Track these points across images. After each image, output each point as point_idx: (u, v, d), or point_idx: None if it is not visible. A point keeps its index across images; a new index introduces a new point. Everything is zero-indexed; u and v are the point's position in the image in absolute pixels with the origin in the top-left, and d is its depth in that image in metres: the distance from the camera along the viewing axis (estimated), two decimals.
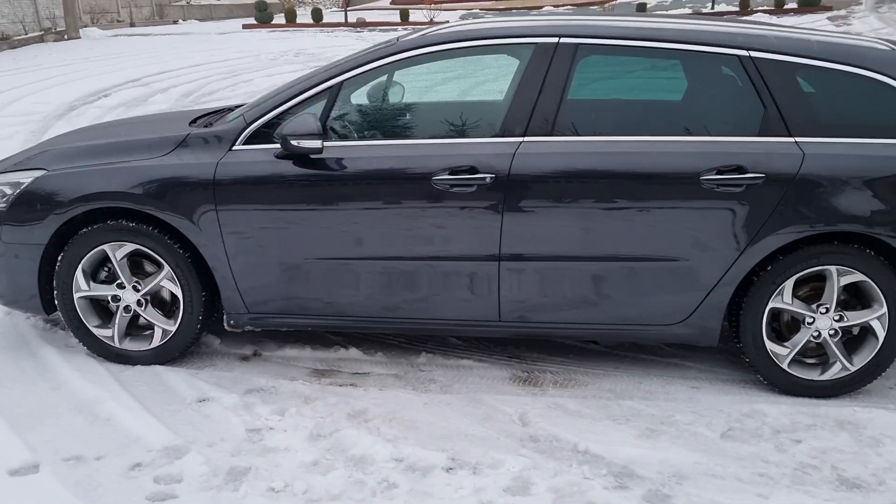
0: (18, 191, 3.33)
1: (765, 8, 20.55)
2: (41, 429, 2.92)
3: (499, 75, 3.69)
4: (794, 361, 3.21)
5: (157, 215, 3.24)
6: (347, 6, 32.30)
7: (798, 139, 3.04)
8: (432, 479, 2.65)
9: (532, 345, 3.67)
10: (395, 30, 23.61)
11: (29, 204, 3.31)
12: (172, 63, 14.44)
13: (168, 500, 2.52)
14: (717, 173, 3.00)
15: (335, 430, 2.95)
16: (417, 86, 3.60)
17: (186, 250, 3.29)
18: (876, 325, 3.12)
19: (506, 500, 2.54)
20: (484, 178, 3.06)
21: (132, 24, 26.55)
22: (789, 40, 3.17)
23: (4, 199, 3.35)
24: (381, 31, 20.98)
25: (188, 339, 3.41)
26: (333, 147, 3.17)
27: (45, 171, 3.35)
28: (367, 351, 3.61)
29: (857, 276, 3.08)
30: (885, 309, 3.08)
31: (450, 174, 3.07)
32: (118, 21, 26.50)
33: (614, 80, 3.41)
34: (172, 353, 3.43)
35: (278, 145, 3.14)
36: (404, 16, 22.13)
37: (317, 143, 3.04)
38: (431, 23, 24.05)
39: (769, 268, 3.10)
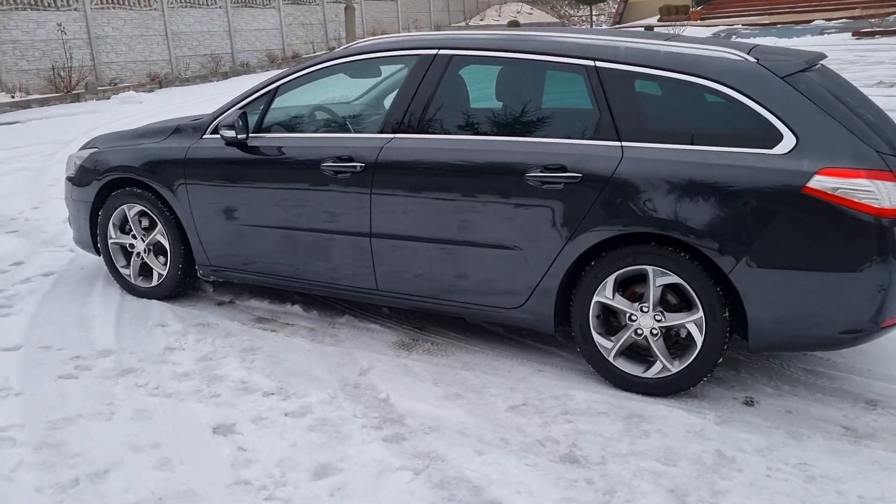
0: (80, 162, 4.62)
1: None
2: (47, 327, 4.12)
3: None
4: (623, 356, 3.35)
5: (152, 184, 4.30)
6: (619, 24, 32.67)
7: (625, 143, 3.22)
8: (247, 397, 3.34)
9: (442, 320, 4.13)
10: None
11: (84, 172, 4.58)
12: None
13: (70, 379, 3.53)
14: (541, 171, 3.29)
15: (223, 357, 3.76)
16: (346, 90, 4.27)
17: (172, 213, 4.31)
18: (692, 328, 3.17)
19: (277, 416, 3.16)
20: (355, 167, 3.67)
21: None
22: (638, 51, 3.33)
23: (76, 168, 4.66)
24: None
25: (174, 282, 4.43)
26: (260, 137, 3.99)
27: (97, 149, 4.59)
28: (307, 308, 4.36)
29: (673, 279, 3.16)
30: (700, 313, 3.13)
31: (333, 162, 3.72)
32: None
33: (483, 87, 3.77)
34: (165, 292, 4.48)
35: None
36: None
37: (231, 133, 3.89)
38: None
39: (593, 263, 3.30)
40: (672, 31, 23.86)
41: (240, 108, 4.03)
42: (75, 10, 16.74)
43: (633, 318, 3.27)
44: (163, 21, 19.05)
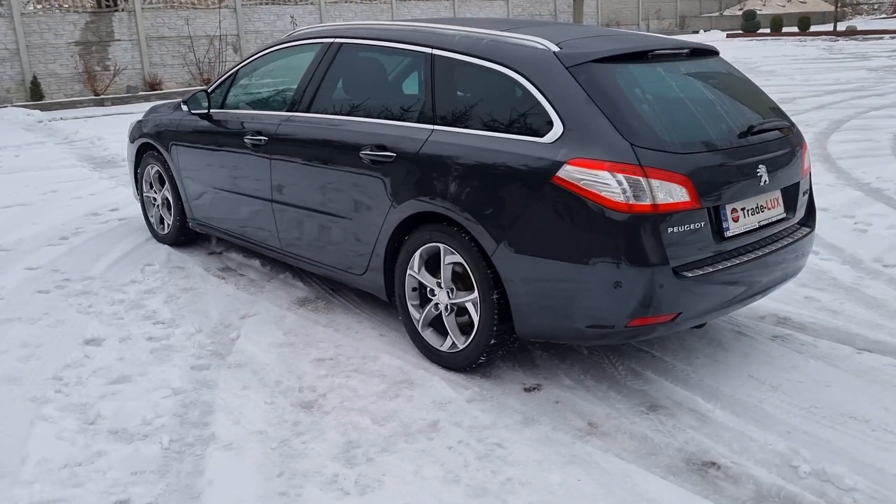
0: (132, 127, 5.68)
1: None
2: (73, 256, 5.21)
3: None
4: (432, 328, 3.53)
5: (158, 147, 5.20)
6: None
7: (435, 127, 3.41)
8: (141, 322, 4.06)
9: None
10: (881, 39, 20.61)
11: (131, 137, 5.63)
12: None
13: (43, 293, 4.51)
14: (371, 149, 3.59)
15: (161, 292, 4.53)
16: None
17: (171, 173, 5.19)
18: (471, 307, 3.29)
19: (140, 339, 3.83)
20: (261, 140, 4.21)
21: None
22: (467, 39, 3.47)
23: (130, 131, 5.73)
24: (860, 40, 18.83)
25: (176, 231, 5.31)
26: (219, 112, 4.68)
27: (141, 119, 5.62)
28: (265, 264, 4.99)
29: (457, 258, 3.30)
30: (476, 293, 3.24)
31: (252, 135, 4.30)
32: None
33: (360, 71, 4.04)
34: (171, 239, 5.38)
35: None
36: None
37: (185, 108, 4.62)
38: None
39: (406, 238, 3.53)
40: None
41: (211, 88, 4.76)
42: (311, 3, 18.92)
43: (434, 293, 3.46)
44: (391, 12, 20.73)
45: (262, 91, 4.75)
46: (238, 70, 4.70)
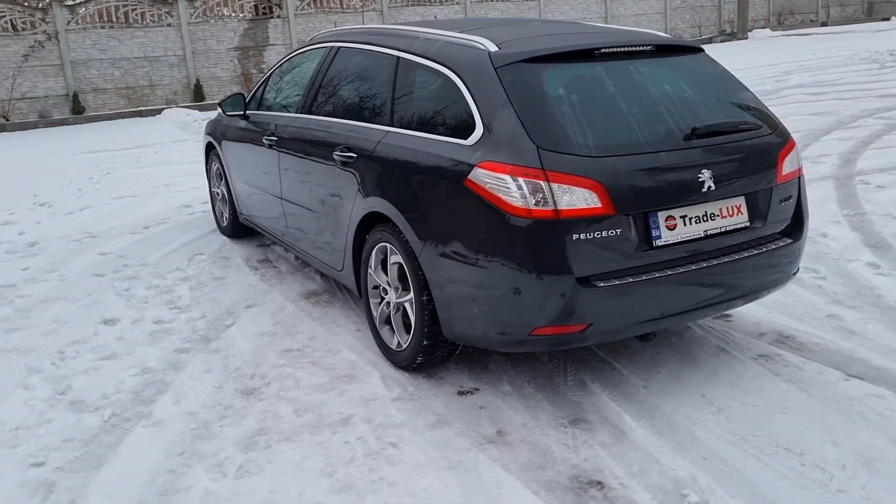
0: (205, 126, 6.17)
1: None
2: (143, 245, 5.76)
3: None
4: (388, 326, 3.60)
5: (216, 145, 5.63)
6: None
7: (390, 128, 3.48)
8: (160, 307, 4.44)
9: None
10: None
11: (204, 133, 6.12)
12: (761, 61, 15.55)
13: (97, 276, 5.05)
14: (342, 150, 3.71)
15: (194, 280, 4.91)
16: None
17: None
18: (408, 308, 3.33)
19: (149, 322, 4.20)
20: (273, 139, 4.47)
21: (824, 24, 26.47)
22: (427, 41, 3.49)
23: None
24: None
25: (231, 224, 5.71)
26: (253, 113, 4.99)
27: (214, 117, 6.09)
28: (297, 258, 5.25)
29: (399, 258, 3.34)
30: (412, 294, 3.28)
31: (267, 136, 4.57)
32: (811, 21, 26.77)
33: (348, 74, 4.11)
34: (229, 231, 5.79)
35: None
36: None
37: (220, 110, 4.97)
38: None
39: (367, 237, 3.62)
40: None
41: (250, 91, 5.10)
42: (456, 3, 19.26)
43: (386, 291, 3.52)
44: (538, 9, 20.63)
45: (283, 93, 5.01)
46: (270, 76, 4.99)
